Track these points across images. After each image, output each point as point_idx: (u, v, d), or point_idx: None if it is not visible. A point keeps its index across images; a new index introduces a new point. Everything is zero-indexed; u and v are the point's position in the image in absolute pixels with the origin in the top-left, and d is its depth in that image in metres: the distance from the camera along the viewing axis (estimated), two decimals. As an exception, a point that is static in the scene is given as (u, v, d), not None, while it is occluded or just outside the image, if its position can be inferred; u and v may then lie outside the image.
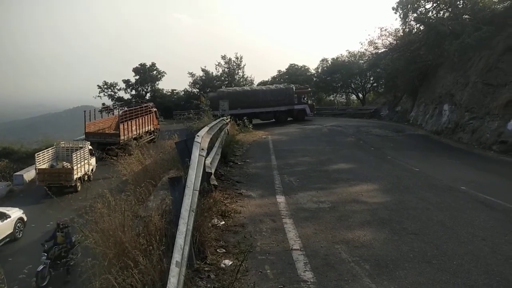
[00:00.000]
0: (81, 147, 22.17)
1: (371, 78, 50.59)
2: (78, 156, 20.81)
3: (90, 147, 23.51)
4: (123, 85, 56.77)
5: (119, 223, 5.24)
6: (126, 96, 56.50)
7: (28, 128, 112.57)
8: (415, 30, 29.17)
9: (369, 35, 59.47)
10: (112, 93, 56.34)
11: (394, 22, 55.83)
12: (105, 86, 56.25)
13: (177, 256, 3.73)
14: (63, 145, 23.03)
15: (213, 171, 8.29)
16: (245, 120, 26.28)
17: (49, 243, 10.81)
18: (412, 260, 5.40)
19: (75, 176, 20.08)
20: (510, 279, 4.86)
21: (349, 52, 53.36)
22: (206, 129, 9.93)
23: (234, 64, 57.06)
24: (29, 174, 22.94)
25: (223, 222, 6.87)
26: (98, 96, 55.86)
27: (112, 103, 53.87)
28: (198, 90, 54.90)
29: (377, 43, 35.02)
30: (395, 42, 32.77)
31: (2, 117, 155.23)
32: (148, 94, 56.81)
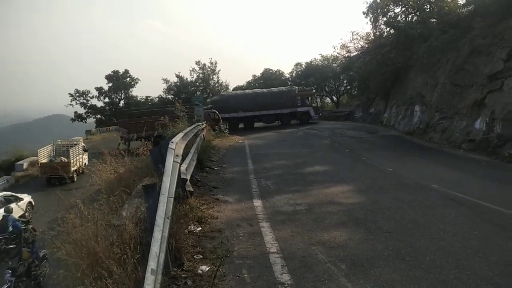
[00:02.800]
0: (76, 144, 25.64)
1: (345, 81, 51.62)
2: (74, 151, 24.05)
3: (83, 144, 27.65)
4: (95, 93, 55.64)
5: (92, 233, 5.13)
6: (99, 104, 55.33)
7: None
8: (386, 33, 29.93)
9: (341, 39, 60.72)
10: (85, 101, 55.10)
11: (365, 26, 57.21)
12: (77, 94, 54.97)
13: (152, 263, 3.69)
14: (60, 142, 26.20)
15: (188, 177, 8.23)
16: (221, 126, 26.19)
17: (13, 260, 10.18)
18: (386, 258, 5.51)
19: (72, 169, 22.89)
20: (479, 272, 5.02)
21: (323, 56, 54.47)
22: (181, 135, 9.82)
23: (209, 69, 56.97)
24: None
25: (200, 228, 6.83)
26: (70, 104, 54.52)
27: (85, 111, 52.67)
28: (172, 96, 54.45)
29: (349, 46, 35.78)
30: (366, 46, 33.52)
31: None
32: (122, 101, 55.85)
